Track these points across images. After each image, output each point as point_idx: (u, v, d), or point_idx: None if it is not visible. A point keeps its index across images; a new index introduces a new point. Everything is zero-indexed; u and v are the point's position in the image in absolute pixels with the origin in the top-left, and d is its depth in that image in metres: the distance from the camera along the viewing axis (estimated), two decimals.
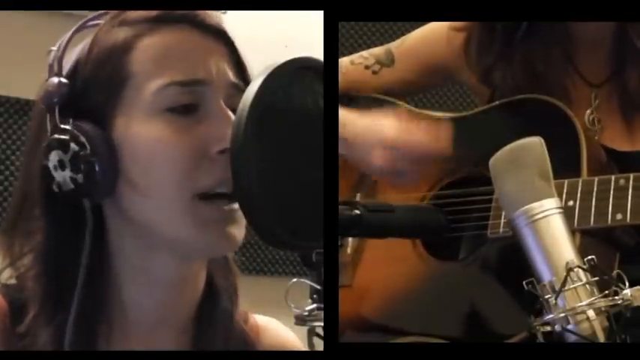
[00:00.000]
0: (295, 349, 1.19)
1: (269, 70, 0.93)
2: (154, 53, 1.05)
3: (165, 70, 1.04)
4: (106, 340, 1.07)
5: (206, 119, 1.04)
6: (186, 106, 1.04)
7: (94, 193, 1.04)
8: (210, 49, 1.07)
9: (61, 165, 1.03)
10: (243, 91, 0.90)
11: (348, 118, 1.39)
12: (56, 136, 1.03)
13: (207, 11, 1.09)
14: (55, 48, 1.08)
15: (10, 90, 2.64)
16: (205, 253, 1.09)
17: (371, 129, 1.38)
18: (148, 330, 1.09)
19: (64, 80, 1.05)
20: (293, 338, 1.20)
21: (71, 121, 1.04)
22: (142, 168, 1.03)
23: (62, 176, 1.03)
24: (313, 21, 1.61)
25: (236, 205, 1.01)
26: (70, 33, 1.08)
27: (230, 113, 1.03)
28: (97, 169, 1.02)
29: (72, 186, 1.03)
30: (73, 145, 1.02)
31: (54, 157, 1.03)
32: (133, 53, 1.05)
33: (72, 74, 1.06)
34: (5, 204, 2.62)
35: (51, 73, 1.06)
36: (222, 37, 1.09)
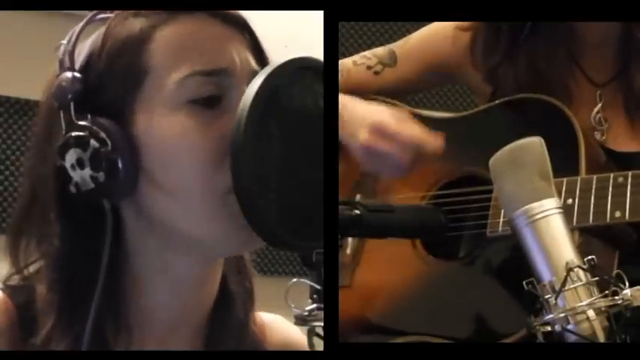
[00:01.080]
0: (303, 345, 1.14)
1: (269, 70, 0.93)
2: (174, 43, 1.00)
3: (187, 60, 0.99)
4: (124, 346, 1.02)
5: (231, 109, 0.98)
6: (208, 98, 0.99)
7: (116, 192, 0.99)
8: (231, 38, 1.03)
9: (80, 164, 0.97)
10: None
11: (349, 101, 1.41)
12: (73, 133, 0.98)
13: None
14: (64, 41, 1.02)
15: (10, 90, 2.63)
16: (237, 249, 1.05)
17: (367, 111, 1.40)
18: (165, 332, 1.06)
19: (77, 75, 1.00)
20: (299, 334, 1.16)
21: (89, 117, 0.98)
22: (165, 164, 0.98)
23: (81, 176, 0.98)
24: (313, 21, 1.61)
25: None
26: (80, 25, 1.03)
27: None
28: (119, 166, 0.97)
29: (92, 185, 0.97)
30: (93, 142, 0.97)
31: (71, 156, 0.98)
32: (151, 44, 1.00)
33: (85, 68, 1.01)
34: (5, 204, 2.62)
35: (62, 68, 1.01)
36: (241, 24, 1.05)
